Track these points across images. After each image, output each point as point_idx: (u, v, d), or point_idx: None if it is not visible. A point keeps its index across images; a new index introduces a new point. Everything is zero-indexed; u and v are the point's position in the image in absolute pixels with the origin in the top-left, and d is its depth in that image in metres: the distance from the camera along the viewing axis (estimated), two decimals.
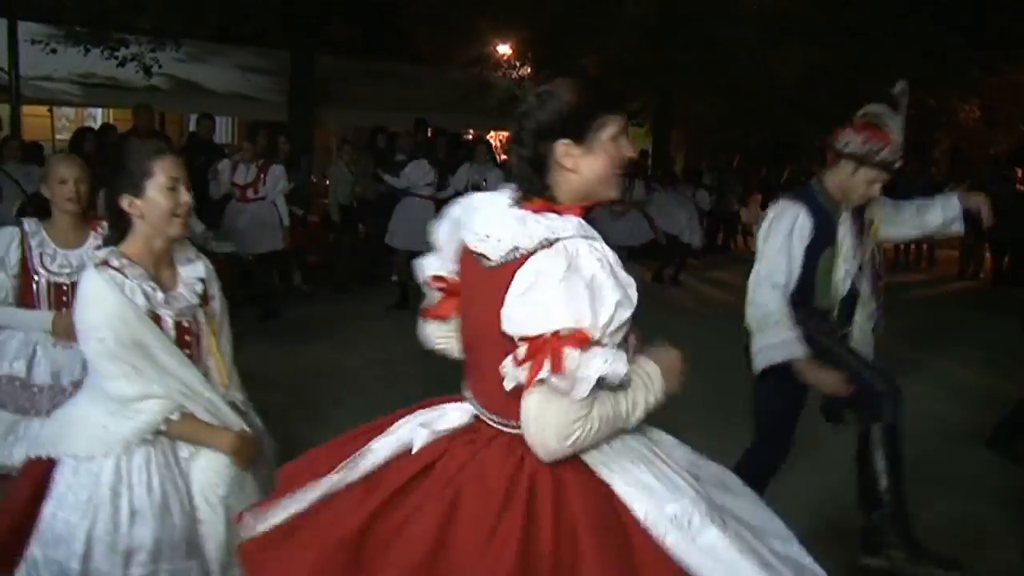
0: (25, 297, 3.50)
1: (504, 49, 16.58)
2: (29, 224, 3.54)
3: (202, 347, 2.71)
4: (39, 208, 4.76)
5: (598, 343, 1.75)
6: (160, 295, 2.57)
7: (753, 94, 14.66)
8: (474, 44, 15.86)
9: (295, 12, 11.92)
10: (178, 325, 2.61)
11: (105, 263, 2.52)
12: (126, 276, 2.51)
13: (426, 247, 2.25)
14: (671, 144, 17.16)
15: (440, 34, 15.78)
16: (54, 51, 11.11)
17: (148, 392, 2.49)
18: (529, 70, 15.96)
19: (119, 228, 2.59)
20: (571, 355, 1.71)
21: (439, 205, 9.70)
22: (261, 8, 11.55)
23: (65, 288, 3.49)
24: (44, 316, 3.47)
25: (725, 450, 5.54)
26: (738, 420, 6.24)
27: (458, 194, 9.72)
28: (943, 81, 16.62)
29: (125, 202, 2.54)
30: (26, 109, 11.21)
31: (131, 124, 9.91)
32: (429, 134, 12.13)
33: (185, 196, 2.57)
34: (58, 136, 13.25)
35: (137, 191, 2.52)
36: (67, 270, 3.51)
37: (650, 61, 14.26)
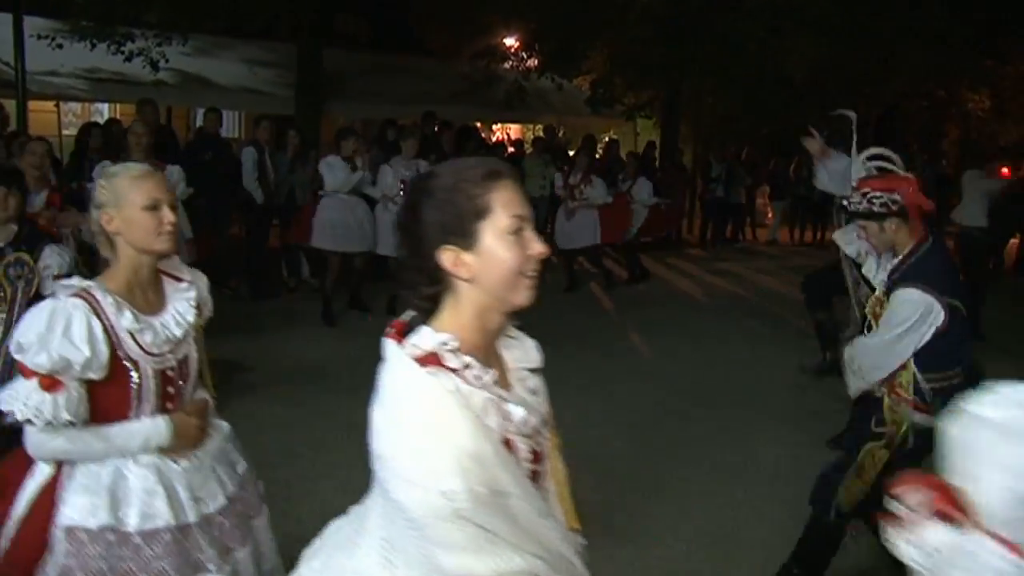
0: (106, 403, 2.28)
1: (511, 41, 16.53)
2: (97, 289, 2.29)
3: (544, 474, 1.77)
4: (30, 237, 3.94)
5: None
6: (519, 412, 1.64)
7: (762, 87, 14.58)
8: (482, 36, 15.82)
9: (302, 6, 11.89)
10: (533, 452, 1.69)
11: (435, 359, 1.55)
12: (471, 383, 1.57)
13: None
14: (680, 136, 17.09)
15: (448, 26, 15.76)
16: (60, 46, 11.09)
17: (507, 568, 1.55)
18: (537, 62, 15.90)
19: (432, 297, 1.63)
20: None
21: None
22: (268, 2, 11.52)
23: (171, 374, 2.39)
24: (155, 428, 2.34)
25: (737, 439, 5.54)
26: (746, 408, 6.23)
27: (389, 197, 9.00)
28: (954, 72, 16.51)
29: (447, 258, 1.57)
30: (32, 104, 11.20)
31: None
32: (436, 128, 12.11)
33: (536, 245, 1.61)
34: (65, 131, 13.24)
35: (467, 241, 1.57)
36: (168, 348, 2.38)
37: (659, 54, 14.19)
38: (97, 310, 2.23)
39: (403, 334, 1.63)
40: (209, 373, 2.66)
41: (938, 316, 3.37)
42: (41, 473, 2.31)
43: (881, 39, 13.52)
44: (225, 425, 2.65)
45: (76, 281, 2.30)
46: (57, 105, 13.20)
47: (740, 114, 17.09)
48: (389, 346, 1.60)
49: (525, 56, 16.19)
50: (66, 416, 2.15)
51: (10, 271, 3.83)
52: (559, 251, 10.64)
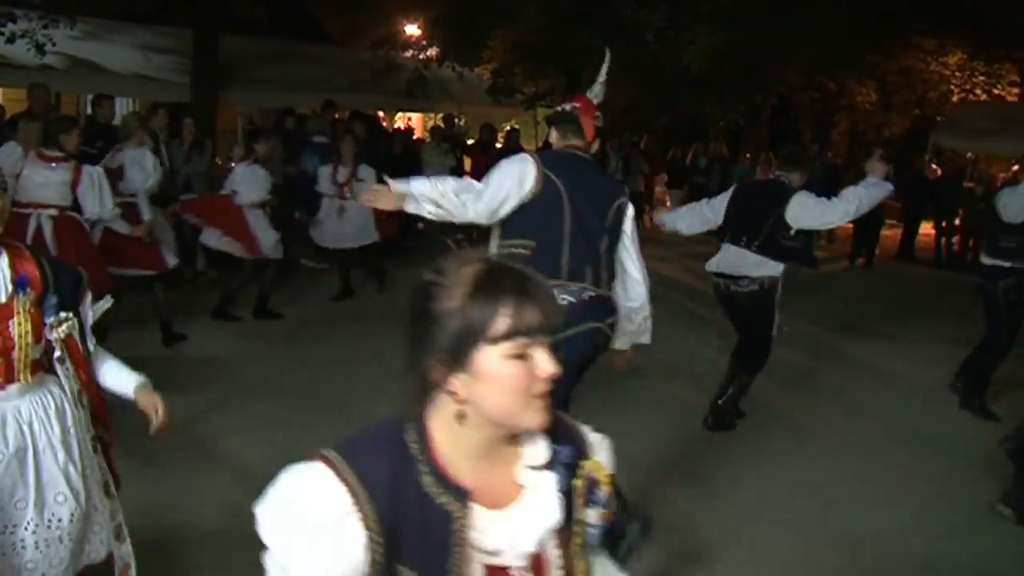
0: None
1: (412, 29, 16.46)
2: None
3: None
4: None
5: None
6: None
7: (661, 76, 14.87)
8: (381, 24, 15.72)
9: None
10: None
11: None
12: None
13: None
14: None
15: (346, 13, 15.61)
16: None
17: None
18: (437, 51, 15.88)
19: None
20: None
21: None
22: None
23: None
24: None
25: (635, 426, 5.64)
26: (641, 392, 6.38)
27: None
28: (843, 65, 17.11)
29: None
30: None
31: (24, 105, 9.55)
32: (336, 116, 12.01)
33: None
34: None
35: None
36: None
37: (559, 43, 14.33)
38: None
39: None
40: None
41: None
42: None
43: (775, 31, 13.93)
44: None
45: None
46: None
47: (639, 103, 17.40)
48: None
49: (426, 44, 16.16)
50: None
51: None
52: (330, 252, 9.54)
